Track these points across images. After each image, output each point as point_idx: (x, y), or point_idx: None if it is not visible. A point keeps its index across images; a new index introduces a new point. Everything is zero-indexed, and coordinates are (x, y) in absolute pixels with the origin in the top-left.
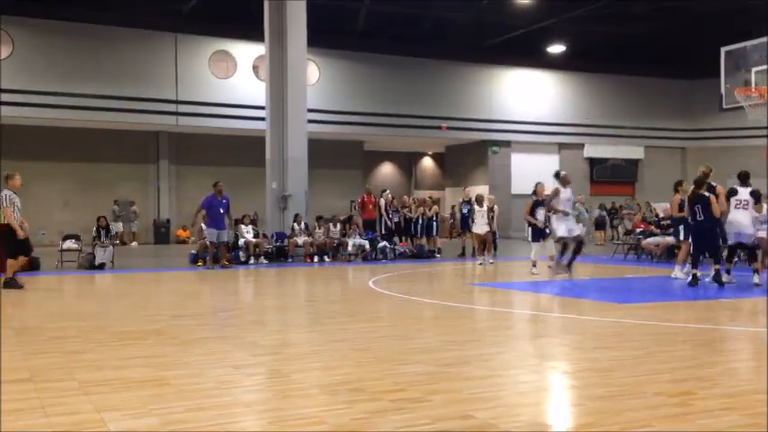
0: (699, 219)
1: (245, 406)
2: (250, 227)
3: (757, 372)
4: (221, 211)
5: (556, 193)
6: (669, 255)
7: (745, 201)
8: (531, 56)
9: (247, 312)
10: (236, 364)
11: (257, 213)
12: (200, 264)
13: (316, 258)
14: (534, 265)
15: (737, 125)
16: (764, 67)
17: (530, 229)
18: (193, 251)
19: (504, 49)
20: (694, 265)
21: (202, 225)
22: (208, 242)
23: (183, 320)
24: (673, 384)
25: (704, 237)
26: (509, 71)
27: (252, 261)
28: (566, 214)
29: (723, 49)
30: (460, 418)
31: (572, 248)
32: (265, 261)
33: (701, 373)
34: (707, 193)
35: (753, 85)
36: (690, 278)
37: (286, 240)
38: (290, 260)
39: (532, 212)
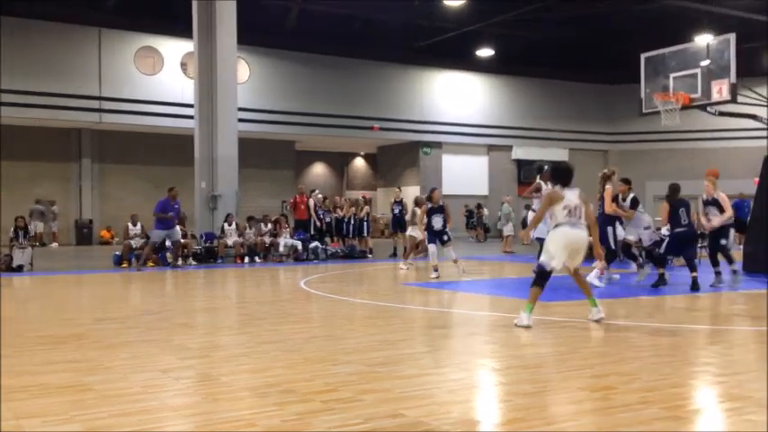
0: (684, 223)
1: (172, 410)
2: (178, 227)
3: (674, 366)
4: (171, 215)
5: (537, 188)
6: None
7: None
8: (461, 59)
9: (175, 315)
10: (163, 368)
11: (185, 213)
12: (124, 265)
13: (246, 259)
14: (435, 270)
15: (656, 129)
16: (682, 73)
17: (426, 232)
18: (117, 252)
19: (435, 51)
20: (663, 265)
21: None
22: (150, 242)
23: (107, 324)
24: (595, 380)
25: (687, 243)
26: (440, 73)
27: (180, 262)
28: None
29: (643, 56)
30: (392, 417)
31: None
32: (194, 262)
33: (622, 369)
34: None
35: (671, 90)
36: (656, 279)
37: (215, 241)
38: (219, 261)
39: (429, 218)
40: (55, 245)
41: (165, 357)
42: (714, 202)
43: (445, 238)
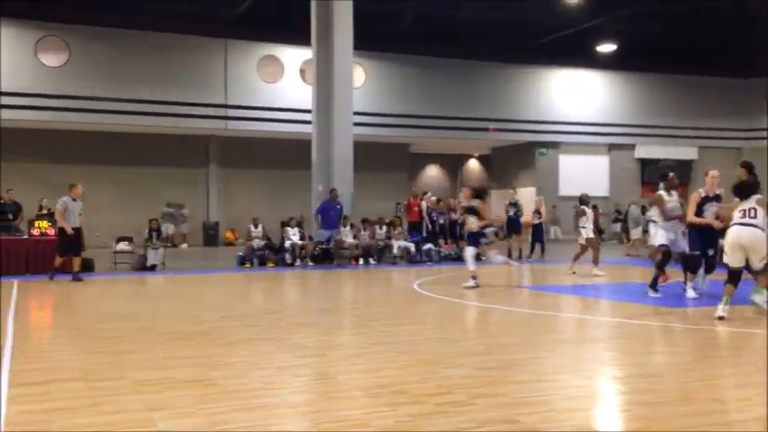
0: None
1: (289, 407)
2: (296, 229)
3: None
4: (332, 215)
5: (660, 200)
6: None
7: None
8: (579, 55)
9: (292, 314)
10: (280, 365)
11: (303, 216)
12: (247, 265)
13: (361, 261)
14: (473, 278)
15: None
16: None
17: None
18: (241, 253)
19: (552, 49)
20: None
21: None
22: (315, 242)
23: (229, 322)
24: (725, 390)
25: None
26: (557, 71)
27: (298, 263)
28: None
29: None
30: (507, 422)
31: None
32: (311, 263)
33: (755, 380)
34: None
35: None
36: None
37: (332, 243)
38: (335, 262)
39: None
40: (185, 246)
41: (283, 355)
42: None
43: (483, 240)
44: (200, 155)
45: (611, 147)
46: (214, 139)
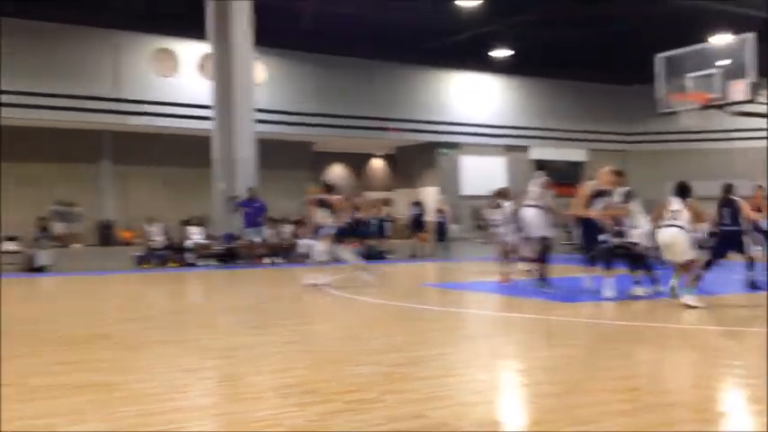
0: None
1: (197, 410)
2: (198, 228)
3: (701, 368)
4: (255, 213)
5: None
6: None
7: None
8: (477, 59)
9: (197, 315)
10: (186, 368)
11: (205, 214)
12: (146, 266)
13: (267, 260)
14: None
15: (674, 129)
16: (698, 73)
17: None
18: (139, 253)
19: (452, 52)
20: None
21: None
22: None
23: (131, 324)
24: (621, 381)
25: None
26: (457, 74)
27: (201, 263)
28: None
29: (658, 56)
30: (415, 418)
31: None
32: (215, 263)
33: (648, 370)
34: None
35: (689, 90)
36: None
37: (236, 241)
38: (240, 261)
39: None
40: (78, 245)
41: (189, 358)
42: None
43: (322, 231)
44: (92, 151)
45: (508, 148)
46: (107, 135)
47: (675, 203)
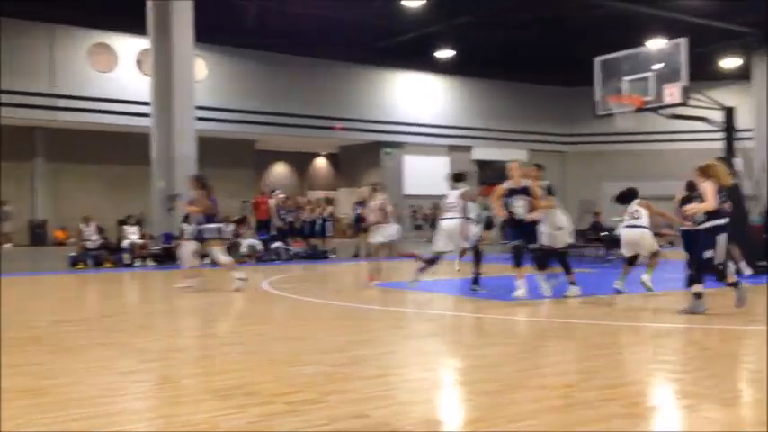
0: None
1: (133, 413)
2: (135, 228)
3: (635, 363)
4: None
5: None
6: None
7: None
8: (422, 60)
9: (133, 317)
10: (122, 371)
11: (143, 214)
12: (80, 266)
13: (206, 260)
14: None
15: (611, 131)
16: (635, 76)
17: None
18: (73, 253)
19: (396, 52)
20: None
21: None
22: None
23: (65, 326)
24: (555, 378)
25: None
26: (401, 74)
27: (137, 263)
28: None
29: (597, 59)
30: (356, 418)
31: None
32: (152, 263)
33: (582, 366)
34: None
35: (625, 93)
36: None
37: (174, 241)
38: (178, 262)
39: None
40: (8, 246)
41: (125, 360)
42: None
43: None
44: (24, 148)
45: (451, 148)
46: (40, 132)
47: (634, 204)
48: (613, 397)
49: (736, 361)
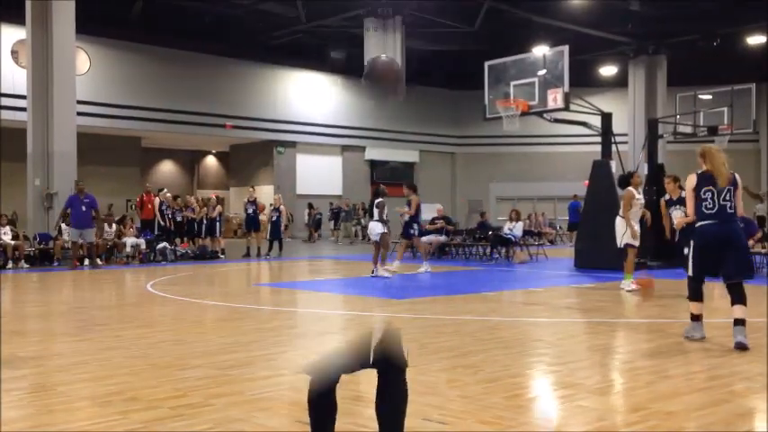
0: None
1: (5, 423)
2: (8, 228)
3: (513, 357)
4: (83, 210)
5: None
6: (441, 252)
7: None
8: (314, 59)
9: (5, 322)
10: None
11: (16, 213)
12: None
13: (87, 261)
14: None
15: (499, 133)
16: (521, 81)
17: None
18: None
19: (289, 50)
20: None
21: (62, 225)
22: (70, 242)
23: None
24: (441, 373)
25: None
26: (294, 72)
27: (10, 265)
28: None
29: (487, 64)
30: (242, 421)
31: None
32: (26, 265)
33: (467, 361)
34: None
35: (511, 97)
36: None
37: (51, 242)
38: (55, 264)
39: None
40: None
41: None
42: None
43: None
44: None
45: (344, 148)
46: None
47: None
48: (496, 390)
49: (608, 352)
